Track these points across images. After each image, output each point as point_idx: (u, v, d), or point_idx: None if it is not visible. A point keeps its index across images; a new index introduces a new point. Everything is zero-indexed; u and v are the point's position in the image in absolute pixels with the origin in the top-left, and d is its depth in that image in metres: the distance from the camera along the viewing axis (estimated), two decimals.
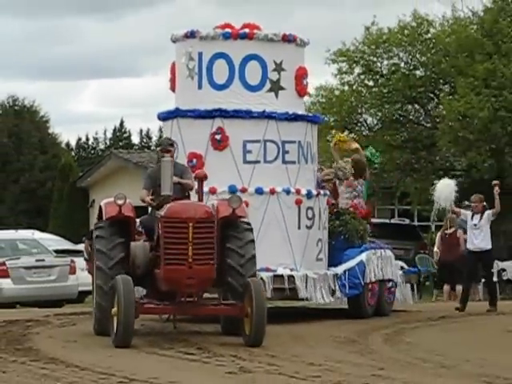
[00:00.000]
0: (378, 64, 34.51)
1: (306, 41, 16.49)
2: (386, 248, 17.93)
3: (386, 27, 34.06)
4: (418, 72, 34.44)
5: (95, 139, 66.71)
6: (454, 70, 32.33)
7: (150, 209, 13.98)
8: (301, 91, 16.56)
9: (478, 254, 19.63)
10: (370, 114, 35.37)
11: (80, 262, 23.69)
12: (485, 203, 19.99)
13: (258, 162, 15.90)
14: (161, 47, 78.96)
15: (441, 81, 34.43)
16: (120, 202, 13.40)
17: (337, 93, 34.81)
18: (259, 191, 15.75)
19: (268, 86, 16.10)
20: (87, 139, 66.22)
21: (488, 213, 19.65)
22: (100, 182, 39.78)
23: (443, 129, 31.61)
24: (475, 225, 19.54)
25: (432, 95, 34.96)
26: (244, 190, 15.60)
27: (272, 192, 15.85)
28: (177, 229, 12.71)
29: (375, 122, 35.62)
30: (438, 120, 33.52)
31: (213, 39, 16.05)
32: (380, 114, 34.92)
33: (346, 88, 34.83)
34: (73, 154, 60.71)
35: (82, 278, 23.27)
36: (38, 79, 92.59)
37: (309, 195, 16.22)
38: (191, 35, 16.15)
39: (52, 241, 26.70)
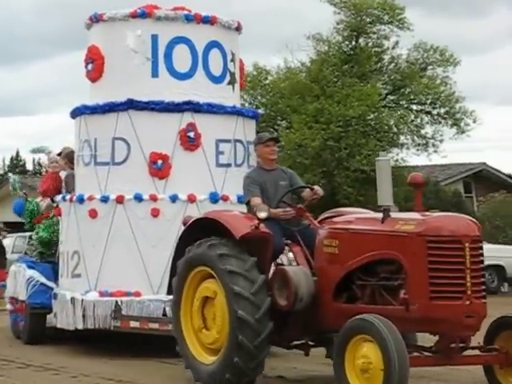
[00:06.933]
0: None
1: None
2: None
3: None
4: (259, 111, 32.18)
5: None
6: (289, 108, 30.72)
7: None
8: (242, 85, 11.45)
9: None
10: None
11: None
12: None
13: (229, 165, 10.53)
14: (52, 91, 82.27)
15: (279, 118, 32.59)
16: (263, 214, 7.88)
17: None
18: (241, 200, 10.09)
19: (228, 78, 10.79)
20: None
21: None
22: None
23: (283, 156, 29.52)
24: None
25: (272, 130, 32.68)
26: (226, 199, 10.27)
27: None
28: (449, 251, 7.13)
29: None
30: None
31: (172, 21, 10.46)
32: None
33: None
34: None
35: None
36: None
37: None
38: (141, 15, 10.47)
39: None
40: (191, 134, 10.19)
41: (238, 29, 11.07)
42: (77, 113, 10.78)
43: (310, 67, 31.99)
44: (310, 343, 8.30)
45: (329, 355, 8.46)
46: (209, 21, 10.63)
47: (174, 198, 10.05)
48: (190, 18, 10.50)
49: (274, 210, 8.12)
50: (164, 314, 9.74)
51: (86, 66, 10.88)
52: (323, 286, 7.72)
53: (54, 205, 11.98)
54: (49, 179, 12.25)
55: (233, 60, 10.86)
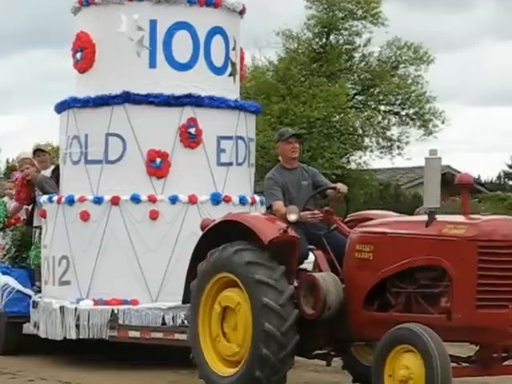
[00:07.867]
0: None
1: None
2: None
3: None
4: None
5: None
6: None
7: None
8: (242, 77, 10.46)
9: None
10: None
11: None
12: None
13: (230, 164, 9.70)
14: (10, 91, 76.58)
15: None
16: (293, 217, 7.41)
17: None
18: (243, 201, 9.65)
19: (229, 68, 9.89)
20: None
21: None
22: None
23: None
24: None
25: None
26: (228, 200, 9.52)
27: (253, 202, 9.81)
28: (501, 256, 6.60)
29: None
30: None
31: (174, 3, 9.47)
32: None
33: None
34: None
35: None
36: None
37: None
38: None
39: None
40: (192, 130, 9.41)
41: (242, 12, 10.19)
42: (64, 106, 9.89)
43: (277, 66, 31.72)
44: (332, 353, 7.78)
45: (345, 367, 8.22)
46: (212, 3, 9.71)
47: (173, 200, 9.31)
48: (192, 1, 9.59)
49: (301, 212, 7.55)
50: (163, 323, 9.12)
51: (73, 55, 9.97)
52: (353, 293, 7.18)
53: (25, 207, 11.27)
54: (21, 186, 11.35)
55: (234, 48, 10.03)
